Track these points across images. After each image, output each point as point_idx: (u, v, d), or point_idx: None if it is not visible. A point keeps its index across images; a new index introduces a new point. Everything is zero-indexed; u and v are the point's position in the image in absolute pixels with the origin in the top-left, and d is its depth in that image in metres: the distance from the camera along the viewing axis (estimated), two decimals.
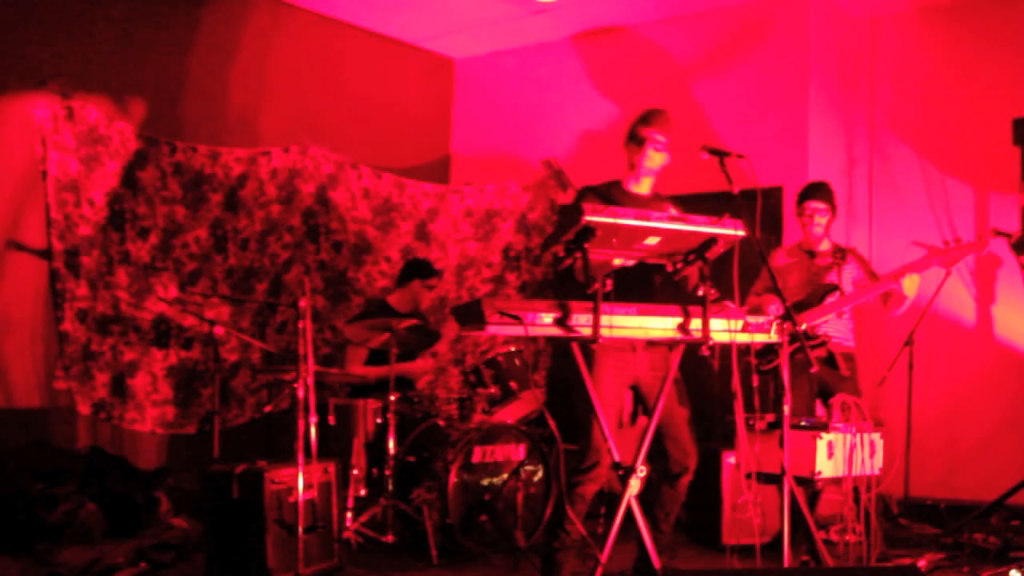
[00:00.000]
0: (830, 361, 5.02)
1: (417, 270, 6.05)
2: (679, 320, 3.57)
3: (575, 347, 3.64)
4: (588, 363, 3.74)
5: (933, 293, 5.94)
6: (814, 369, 4.63)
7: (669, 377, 3.81)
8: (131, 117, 5.90)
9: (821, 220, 5.15)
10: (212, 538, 4.41)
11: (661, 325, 3.55)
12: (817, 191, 5.20)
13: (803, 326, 4.93)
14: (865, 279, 5.12)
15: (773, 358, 4.96)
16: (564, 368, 4.26)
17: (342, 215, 6.79)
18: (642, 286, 4.04)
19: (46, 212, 5.51)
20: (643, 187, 4.29)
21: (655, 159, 4.22)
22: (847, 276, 5.14)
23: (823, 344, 4.96)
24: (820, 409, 5.28)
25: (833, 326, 5.05)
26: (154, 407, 5.93)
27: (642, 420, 5.18)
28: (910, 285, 4.77)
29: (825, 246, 5.23)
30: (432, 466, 5.09)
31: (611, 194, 4.24)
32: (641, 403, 4.33)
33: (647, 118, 4.23)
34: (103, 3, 5.90)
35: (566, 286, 3.85)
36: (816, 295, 5.05)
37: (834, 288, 5.04)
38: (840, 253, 5.19)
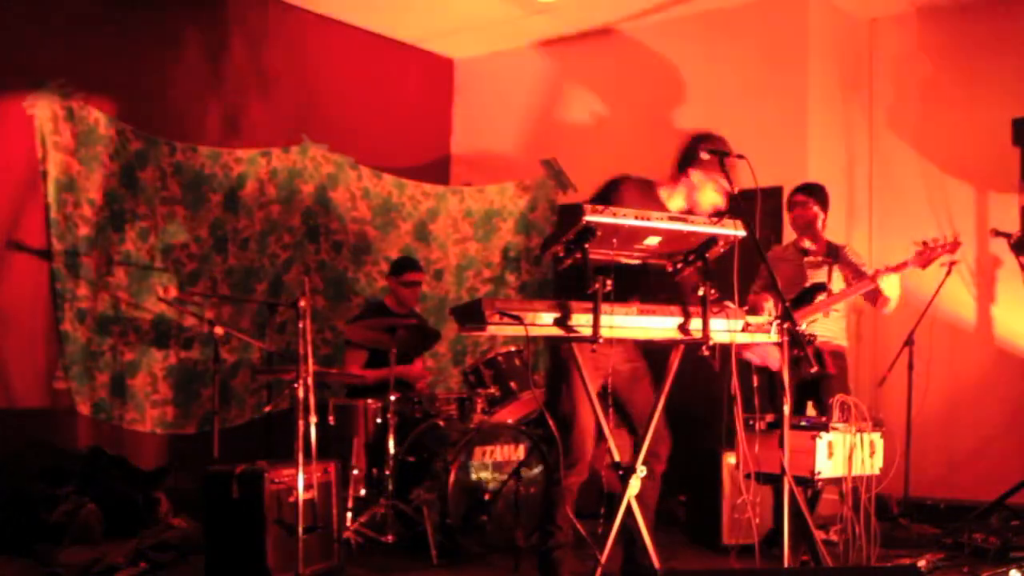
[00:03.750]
0: (818, 359, 5.06)
1: (391, 269, 6.09)
2: (679, 320, 3.57)
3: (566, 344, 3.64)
4: (570, 358, 3.72)
5: (933, 293, 5.94)
6: (813, 369, 4.64)
7: (669, 377, 3.80)
8: (131, 117, 5.90)
9: (802, 213, 5.33)
10: (212, 538, 4.41)
11: (661, 325, 3.55)
12: (801, 187, 5.42)
13: (802, 325, 4.98)
14: (850, 277, 5.21)
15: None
16: (552, 365, 4.24)
17: (342, 215, 6.79)
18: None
19: (46, 212, 5.51)
20: (678, 204, 4.11)
21: (709, 198, 4.01)
22: (837, 275, 5.24)
23: (810, 343, 4.99)
24: (810, 409, 5.32)
25: (823, 325, 5.13)
26: (154, 407, 5.92)
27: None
28: (888, 286, 4.90)
29: (812, 245, 5.36)
30: (432, 466, 5.08)
31: (648, 194, 4.07)
32: (614, 396, 4.31)
33: (714, 152, 3.85)
34: (103, 3, 5.90)
35: (566, 286, 3.85)
36: (804, 294, 5.11)
37: (822, 287, 5.11)
38: (833, 252, 5.27)
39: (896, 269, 4.91)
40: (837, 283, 5.22)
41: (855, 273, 5.22)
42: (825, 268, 5.25)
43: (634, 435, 4.21)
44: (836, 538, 5.08)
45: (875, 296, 5.05)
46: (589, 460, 4.14)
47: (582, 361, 3.63)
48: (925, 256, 4.88)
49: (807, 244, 5.39)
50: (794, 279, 5.24)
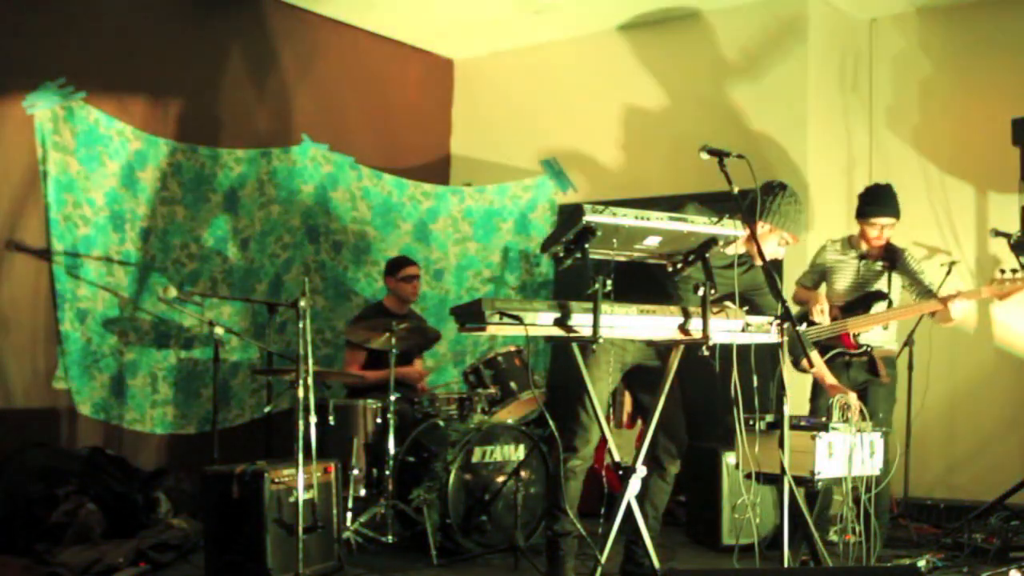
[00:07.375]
0: (871, 366, 5.05)
1: (387, 270, 6.10)
2: (679, 320, 3.57)
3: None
4: (584, 351, 3.68)
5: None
6: (811, 367, 4.60)
7: (668, 378, 3.80)
8: (131, 117, 5.90)
9: (889, 233, 5.15)
10: (212, 538, 4.42)
11: (661, 325, 3.55)
12: (885, 205, 5.13)
13: (853, 334, 4.99)
14: (913, 289, 5.13)
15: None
16: (561, 361, 4.23)
17: (342, 215, 6.79)
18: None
19: (46, 212, 5.51)
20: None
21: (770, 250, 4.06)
22: (896, 282, 5.15)
23: (865, 353, 5.03)
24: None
25: (876, 331, 5.09)
26: (154, 407, 5.93)
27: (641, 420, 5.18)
28: (959, 311, 4.82)
29: (869, 248, 5.20)
30: (432, 466, 5.08)
31: None
32: (635, 390, 4.31)
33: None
34: (103, 3, 5.90)
35: (566, 286, 3.85)
36: (864, 302, 5.07)
37: (883, 296, 5.06)
38: (891, 257, 5.13)
39: (971, 296, 4.89)
40: (895, 290, 5.14)
41: (913, 282, 5.10)
42: (885, 275, 5.12)
43: (658, 432, 4.15)
44: (840, 538, 5.09)
45: (935, 313, 4.97)
46: (595, 446, 4.12)
47: (595, 356, 3.62)
48: (1007, 289, 4.84)
49: (864, 247, 5.20)
50: (853, 286, 5.17)
